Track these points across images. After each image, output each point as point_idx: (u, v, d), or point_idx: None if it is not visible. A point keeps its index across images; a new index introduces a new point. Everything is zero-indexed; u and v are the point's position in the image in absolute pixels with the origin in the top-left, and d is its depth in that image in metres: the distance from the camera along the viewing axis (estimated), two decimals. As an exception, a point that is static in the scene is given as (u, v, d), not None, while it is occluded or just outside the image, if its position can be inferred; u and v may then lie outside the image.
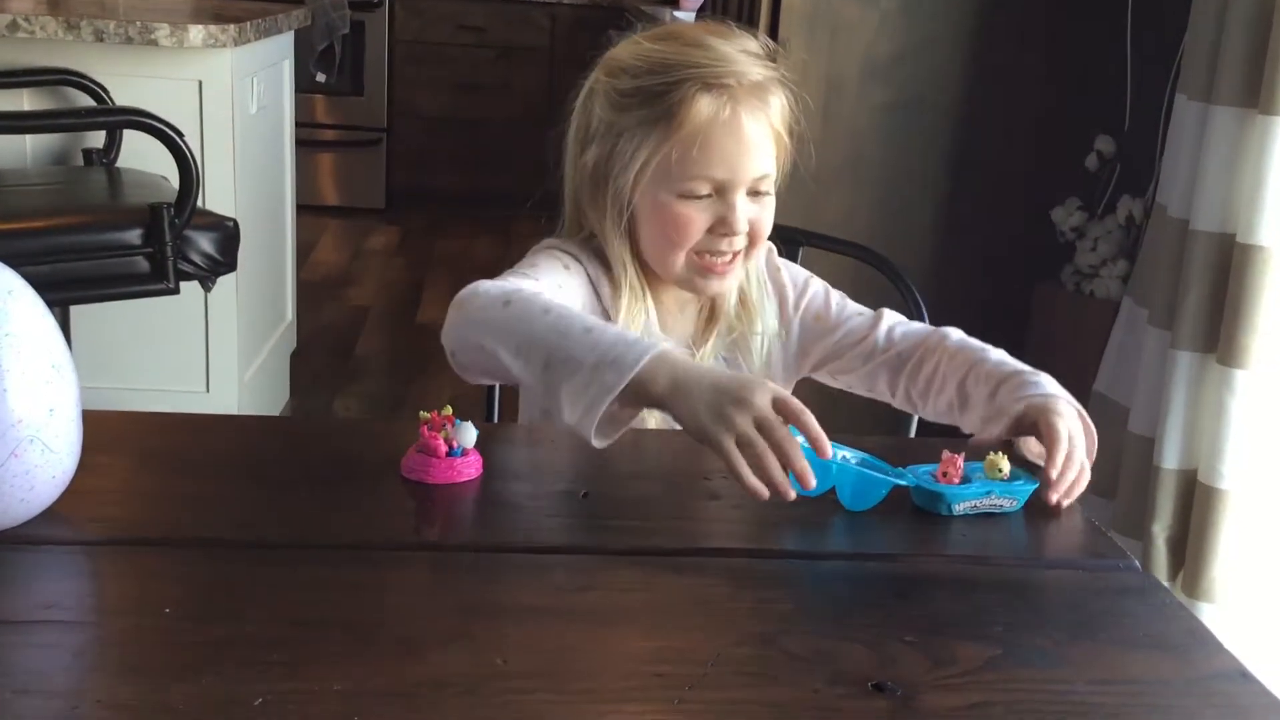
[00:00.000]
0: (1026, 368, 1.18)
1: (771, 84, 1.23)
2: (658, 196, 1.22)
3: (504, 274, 1.21)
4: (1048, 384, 1.14)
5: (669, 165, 1.20)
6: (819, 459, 0.98)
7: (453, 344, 1.12)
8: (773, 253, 1.38)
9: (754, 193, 1.23)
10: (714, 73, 1.19)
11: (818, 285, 1.37)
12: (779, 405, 0.97)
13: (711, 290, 1.28)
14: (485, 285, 1.13)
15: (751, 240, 1.24)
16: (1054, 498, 1.04)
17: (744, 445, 0.96)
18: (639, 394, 0.99)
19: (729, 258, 1.24)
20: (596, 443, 1.01)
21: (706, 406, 0.97)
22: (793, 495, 0.96)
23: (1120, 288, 2.44)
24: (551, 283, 1.21)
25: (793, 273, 1.38)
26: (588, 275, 1.27)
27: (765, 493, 0.96)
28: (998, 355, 1.21)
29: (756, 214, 1.23)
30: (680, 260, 1.24)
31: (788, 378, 1.37)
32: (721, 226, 1.22)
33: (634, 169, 1.21)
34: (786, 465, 0.95)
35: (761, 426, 0.96)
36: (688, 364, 1.01)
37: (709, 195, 1.21)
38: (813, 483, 0.97)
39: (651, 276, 1.29)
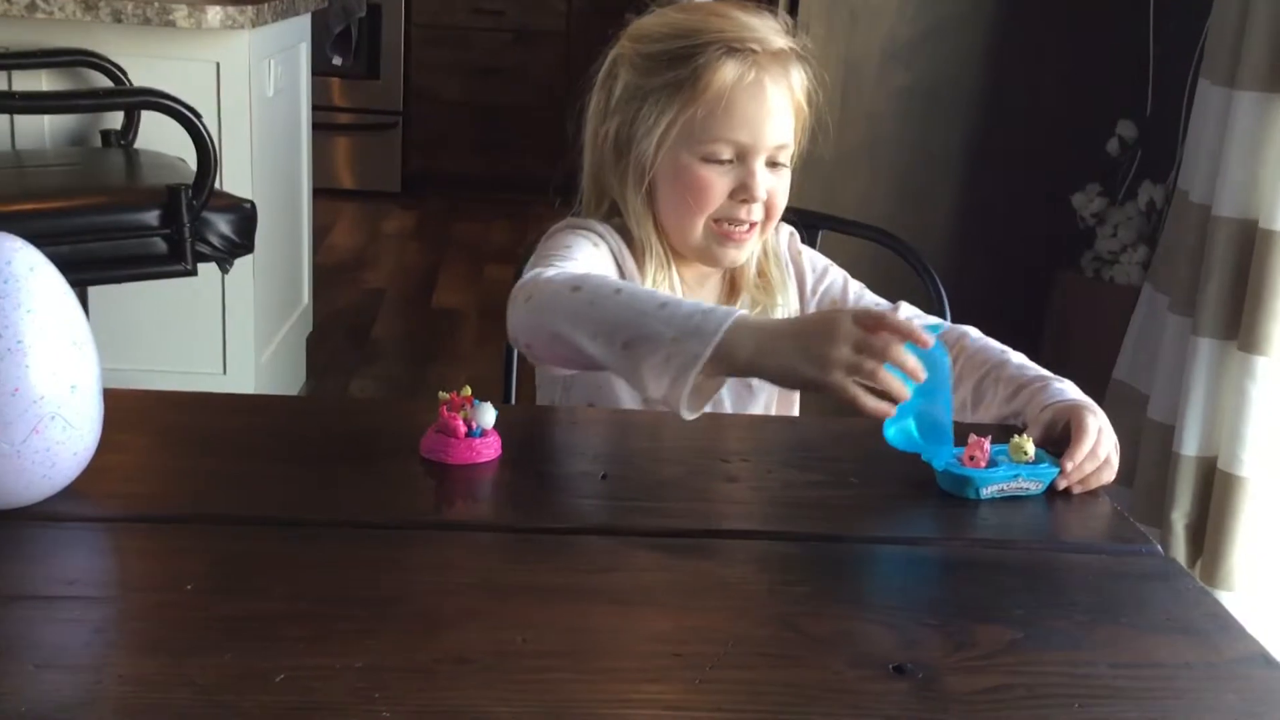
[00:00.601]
0: (1048, 373, 1.17)
1: (793, 55, 1.24)
2: (680, 159, 1.23)
3: (540, 261, 1.19)
4: (1071, 390, 1.14)
5: (692, 127, 1.21)
6: (919, 350, 0.97)
7: (526, 336, 1.10)
8: (794, 237, 1.38)
9: (772, 164, 1.24)
10: (739, 37, 1.21)
11: (837, 273, 1.37)
12: (862, 322, 0.97)
13: (728, 260, 1.28)
14: (546, 274, 1.11)
15: (768, 212, 1.25)
16: (1062, 484, 1.04)
17: (853, 372, 0.95)
18: (724, 361, 0.98)
19: (746, 227, 1.24)
20: (687, 414, 0.99)
21: (800, 355, 0.96)
22: (908, 394, 0.97)
23: (1141, 274, 2.43)
24: (587, 260, 1.21)
25: (812, 258, 1.38)
26: (612, 251, 1.27)
27: (891, 409, 0.96)
28: (1018, 359, 1.21)
29: (774, 185, 1.24)
30: (699, 227, 1.24)
31: None
32: (742, 192, 1.22)
33: (658, 131, 1.22)
34: (897, 366, 0.96)
35: (859, 348, 0.96)
36: (765, 322, 1.01)
37: (730, 160, 1.22)
38: (923, 375, 0.97)
39: (671, 250, 1.29)
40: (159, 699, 0.69)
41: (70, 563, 0.85)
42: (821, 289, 1.35)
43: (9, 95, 2.45)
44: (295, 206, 3.24)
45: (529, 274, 1.12)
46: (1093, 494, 1.06)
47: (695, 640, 0.79)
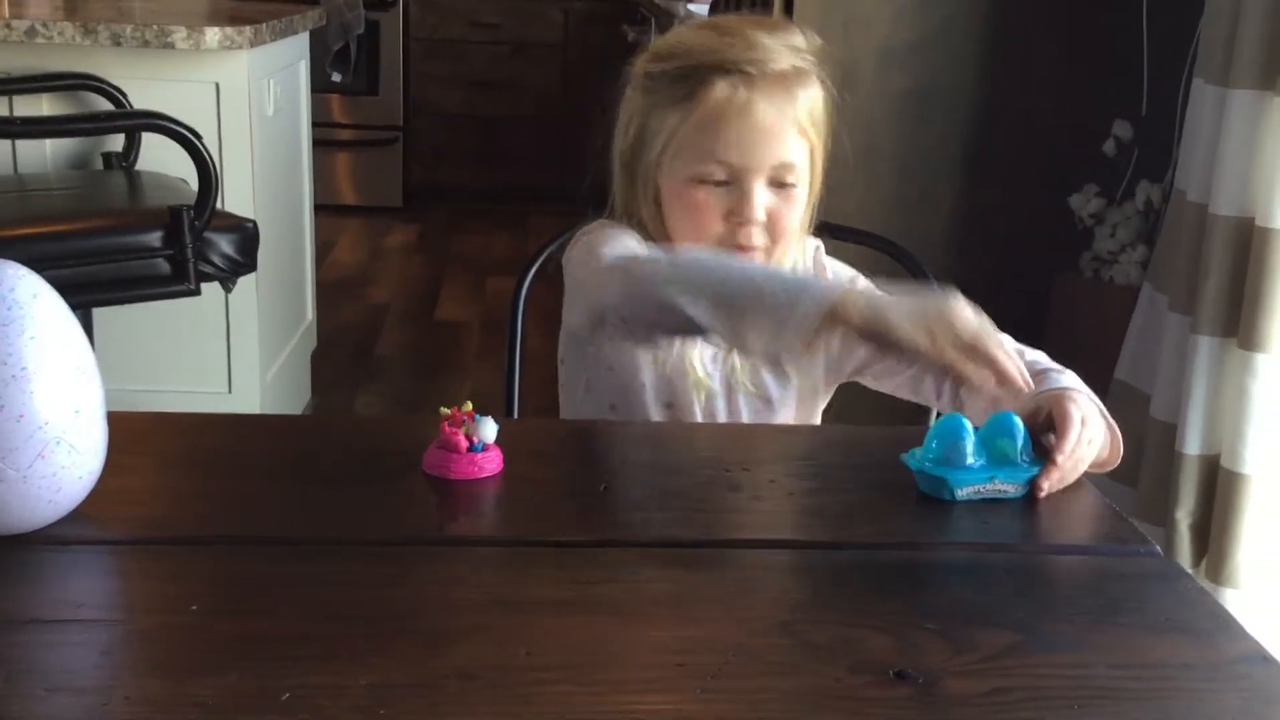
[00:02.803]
0: (1056, 366, 1.17)
1: (802, 76, 1.23)
2: (677, 180, 1.24)
3: (603, 246, 1.21)
4: (1070, 379, 1.14)
5: (685, 147, 1.22)
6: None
7: (626, 309, 1.14)
8: (820, 251, 1.37)
9: (777, 184, 1.23)
10: (735, 59, 1.21)
11: (865, 283, 1.36)
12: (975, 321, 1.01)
13: None
14: (641, 255, 1.16)
15: (774, 235, 1.24)
16: (1044, 489, 1.03)
17: (967, 354, 0.99)
18: (836, 317, 1.01)
19: (750, 251, 1.24)
20: (789, 366, 1.04)
21: (918, 326, 0.99)
22: (1021, 383, 1.00)
23: (1140, 274, 2.43)
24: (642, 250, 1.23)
25: (837, 270, 1.37)
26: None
27: (990, 381, 1.00)
28: (1032, 355, 1.20)
29: (776, 206, 1.23)
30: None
31: (829, 380, 1.37)
32: (736, 215, 1.22)
33: (656, 149, 1.24)
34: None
35: (971, 333, 0.99)
36: (876, 294, 1.05)
37: (726, 182, 1.22)
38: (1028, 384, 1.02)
39: None
40: (167, 720, 0.70)
41: (77, 586, 0.86)
42: None
43: (10, 120, 2.47)
44: (297, 224, 3.26)
45: (615, 257, 1.15)
46: (1083, 492, 1.06)
47: (697, 650, 0.79)
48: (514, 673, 0.76)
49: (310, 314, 3.42)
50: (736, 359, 1.30)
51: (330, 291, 4.00)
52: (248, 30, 2.55)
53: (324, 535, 0.94)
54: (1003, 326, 1.25)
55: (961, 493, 1.02)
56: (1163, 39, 2.46)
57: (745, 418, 1.30)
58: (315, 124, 3.45)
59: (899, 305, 1.01)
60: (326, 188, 4.79)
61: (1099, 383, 2.33)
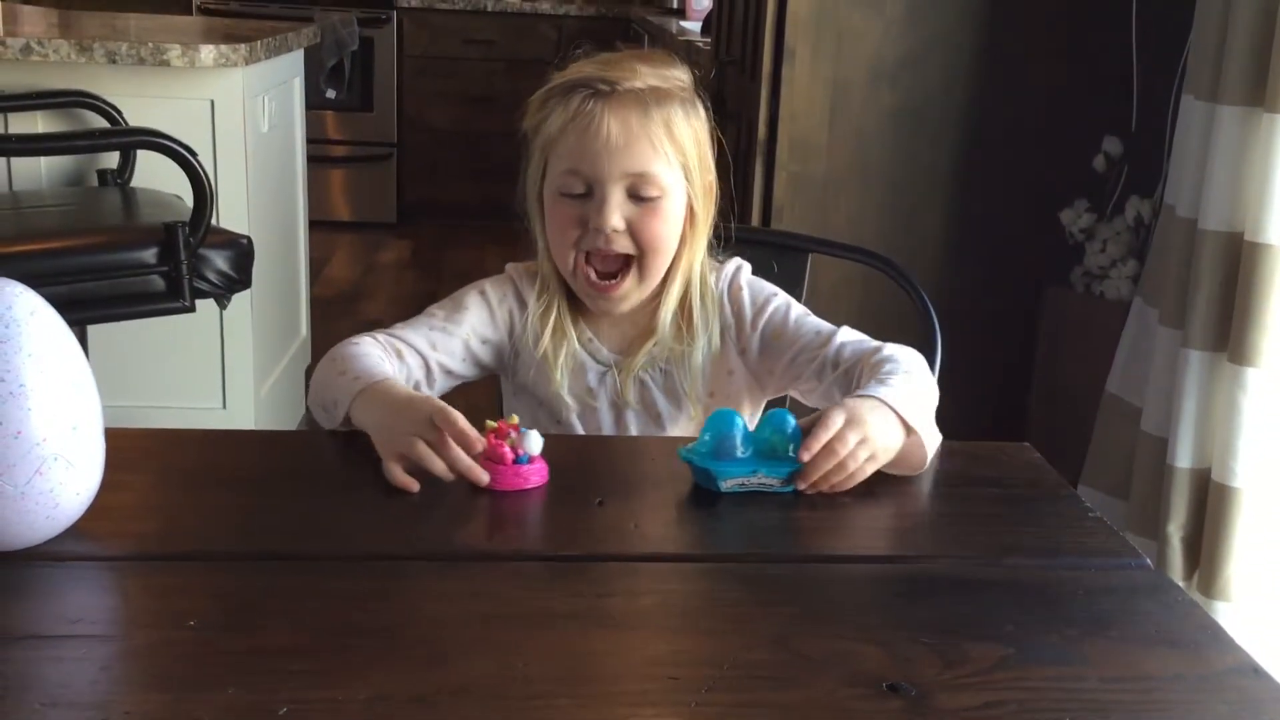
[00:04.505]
0: (900, 369, 1.16)
1: (659, 94, 1.26)
2: (546, 198, 1.29)
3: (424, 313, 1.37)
4: (887, 386, 1.12)
5: (551, 163, 1.28)
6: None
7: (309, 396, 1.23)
8: (741, 271, 1.37)
9: (639, 197, 1.25)
10: (587, 79, 1.26)
11: (780, 301, 1.35)
12: (435, 419, 1.05)
13: (603, 309, 1.32)
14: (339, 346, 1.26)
15: (641, 245, 1.27)
16: (801, 485, 1.06)
17: (408, 451, 1.04)
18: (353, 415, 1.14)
19: (613, 276, 1.27)
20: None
21: (380, 430, 1.10)
22: (446, 473, 1.04)
23: (1130, 288, 2.45)
24: (440, 322, 1.36)
25: (755, 292, 1.36)
26: (516, 299, 1.35)
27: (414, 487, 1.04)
28: (894, 364, 1.18)
29: (637, 217, 1.26)
30: (570, 262, 1.29)
31: (753, 398, 1.37)
32: (593, 222, 1.25)
33: (531, 172, 1.30)
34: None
35: (423, 436, 1.05)
36: (387, 396, 1.13)
37: (585, 194, 1.26)
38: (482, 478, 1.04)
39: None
40: (165, 734, 0.70)
41: (75, 602, 0.87)
42: (763, 321, 1.33)
43: (5, 138, 2.48)
44: (292, 240, 3.26)
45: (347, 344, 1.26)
46: (1073, 505, 1.07)
47: (691, 663, 0.80)
48: (510, 686, 0.76)
49: (304, 330, 3.42)
50: (625, 367, 1.33)
51: (324, 307, 4.00)
52: (242, 48, 2.56)
53: (320, 550, 0.94)
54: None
55: (726, 484, 1.04)
56: (1152, 56, 2.48)
57: (633, 428, 1.33)
58: (309, 140, 3.46)
59: (382, 411, 1.12)
60: (321, 204, 4.80)
61: (1091, 396, 2.35)
